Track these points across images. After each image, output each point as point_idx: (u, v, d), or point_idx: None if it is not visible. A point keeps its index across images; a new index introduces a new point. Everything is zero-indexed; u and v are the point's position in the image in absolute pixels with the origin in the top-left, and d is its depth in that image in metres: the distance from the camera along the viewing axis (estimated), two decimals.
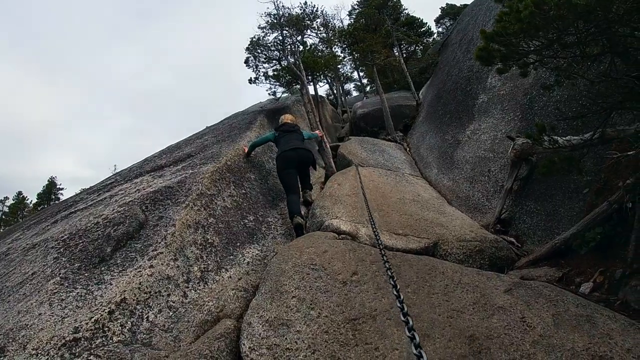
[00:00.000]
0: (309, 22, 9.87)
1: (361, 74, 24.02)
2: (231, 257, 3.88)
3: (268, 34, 9.57)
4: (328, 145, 8.30)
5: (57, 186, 40.01)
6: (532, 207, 4.84)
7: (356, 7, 24.03)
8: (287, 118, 6.64)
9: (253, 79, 9.88)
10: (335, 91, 23.64)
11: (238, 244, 4.12)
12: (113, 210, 4.03)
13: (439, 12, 28.26)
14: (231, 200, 4.68)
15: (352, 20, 15.49)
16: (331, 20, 13.47)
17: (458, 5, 26.21)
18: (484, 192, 5.97)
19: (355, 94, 35.20)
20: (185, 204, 3.95)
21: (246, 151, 6.17)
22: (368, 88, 29.59)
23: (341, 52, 13.56)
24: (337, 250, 3.60)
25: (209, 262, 3.60)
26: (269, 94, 10.36)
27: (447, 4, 27.71)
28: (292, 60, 9.64)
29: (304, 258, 3.49)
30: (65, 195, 38.99)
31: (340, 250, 3.60)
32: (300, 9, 9.70)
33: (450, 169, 7.48)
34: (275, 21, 9.27)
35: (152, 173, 5.72)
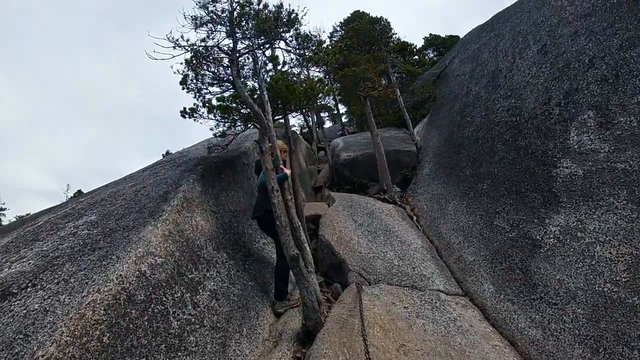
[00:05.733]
0: (285, 28, 6.22)
1: (342, 108, 20.69)
2: None
3: (211, 34, 5.89)
4: (312, 275, 4.48)
5: (0, 206, 35.77)
6: None
7: (338, 29, 21.15)
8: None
9: (189, 110, 5.88)
10: (310, 122, 20.13)
11: None
12: None
13: (421, 43, 25.95)
14: None
15: (333, 43, 12.25)
16: (314, 33, 9.96)
17: (443, 36, 24.53)
18: None
19: (328, 124, 32.09)
20: None
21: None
22: (344, 118, 26.50)
23: (325, 78, 10.14)
24: None
25: None
26: (214, 134, 6.55)
27: (430, 34, 26.01)
28: (253, 84, 6.16)
29: None
30: (7, 217, 34.93)
31: None
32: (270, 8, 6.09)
33: (530, 297, 4.16)
34: (224, 14, 5.61)
35: None
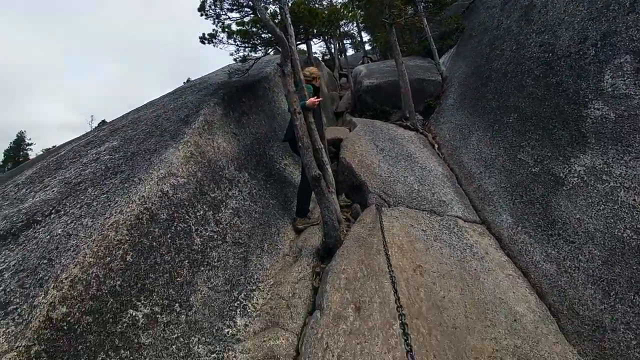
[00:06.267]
0: None
1: (365, 36, 19.81)
2: None
3: None
4: (333, 195, 4.63)
5: (26, 141, 37.03)
6: None
7: None
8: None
9: (208, 36, 5.88)
10: (332, 49, 19.53)
11: None
12: None
13: None
14: None
15: None
16: None
17: None
18: None
19: (350, 52, 31.05)
20: None
21: None
22: (367, 46, 25.56)
23: (349, 3, 9.68)
24: None
25: None
26: (235, 59, 6.42)
27: None
28: (274, 8, 5.90)
29: None
30: (34, 151, 36.29)
31: None
32: None
33: (547, 233, 4.18)
34: None
35: None
